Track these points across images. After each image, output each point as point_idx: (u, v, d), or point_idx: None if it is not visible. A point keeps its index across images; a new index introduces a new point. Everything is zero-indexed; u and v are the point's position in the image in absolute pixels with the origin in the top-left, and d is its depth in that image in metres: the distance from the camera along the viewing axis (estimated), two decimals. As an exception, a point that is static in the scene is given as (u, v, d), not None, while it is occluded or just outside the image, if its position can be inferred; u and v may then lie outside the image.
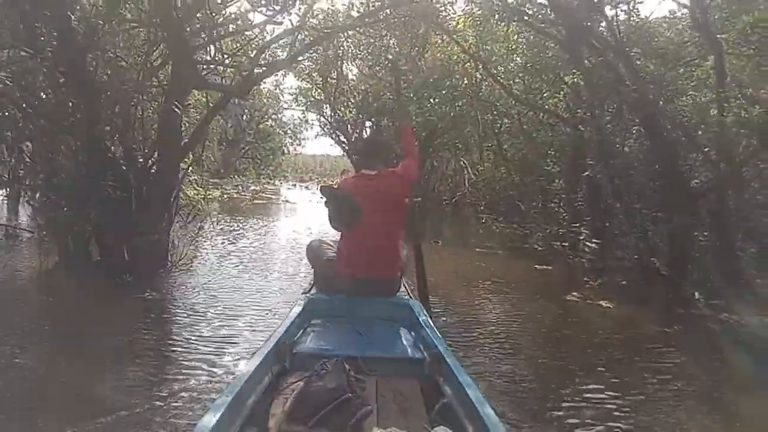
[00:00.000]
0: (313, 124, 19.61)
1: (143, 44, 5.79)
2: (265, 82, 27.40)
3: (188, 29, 5.84)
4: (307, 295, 3.37)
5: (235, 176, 25.57)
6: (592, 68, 7.53)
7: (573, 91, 8.04)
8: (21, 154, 5.98)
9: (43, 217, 5.52)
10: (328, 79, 16.62)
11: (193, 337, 4.30)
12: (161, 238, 5.74)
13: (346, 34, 16.03)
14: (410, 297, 3.47)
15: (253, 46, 7.98)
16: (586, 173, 7.84)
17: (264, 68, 7.10)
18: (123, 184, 5.63)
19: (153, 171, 5.93)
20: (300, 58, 16.22)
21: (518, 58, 10.62)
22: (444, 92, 13.17)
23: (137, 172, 5.86)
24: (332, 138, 18.63)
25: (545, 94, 9.42)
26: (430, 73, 13.25)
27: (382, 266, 3.25)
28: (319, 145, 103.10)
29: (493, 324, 5.14)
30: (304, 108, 18.97)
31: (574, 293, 6.35)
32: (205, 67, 6.59)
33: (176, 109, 5.71)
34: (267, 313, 4.99)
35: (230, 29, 6.76)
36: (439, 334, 2.69)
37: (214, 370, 3.70)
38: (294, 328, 2.73)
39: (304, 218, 13.29)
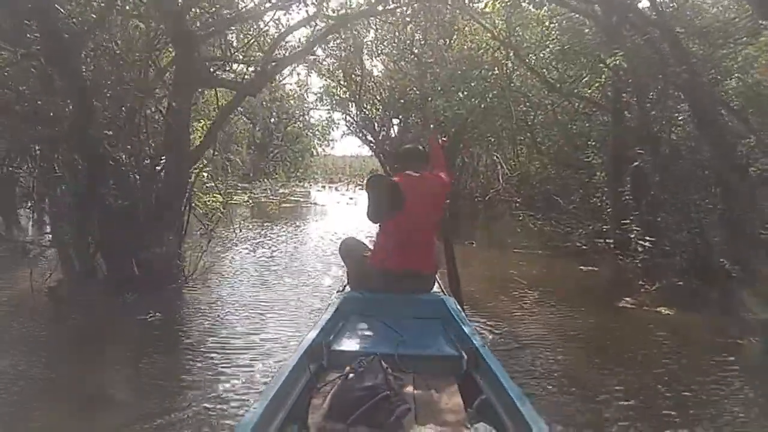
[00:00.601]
0: (338, 123, 19.13)
1: (145, 39, 5.32)
2: (290, 83, 27.23)
3: (194, 22, 5.39)
4: (342, 293, 3.38)
5: (264, 180, 25.26)
6: (636, 49, 6.83)
7: (615, 75, 7.31)
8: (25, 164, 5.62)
9: (41, 231, 5.09)
10: (352, 76, 16.10)
11: (183, 377, 3.58)
12: (170, 250, 5.27)
13: (367, 28, 15.55)
14: (444, 293, 3.47)
15: (267, 39, 7.48)
16: (636, 163, 7.11)
17: (277, 62, 6.56)
18: (127, 192, 5.18)
19: (160, 177, 5.48)
20: (317, 51, 15.93)
21: (552, 44, 9.91)
22: (473, 84, 12.54)
23: (143, 178, 5.43)
24: (359, 137, 18.14)
25: (584, 80, 8.70)
26: (458, 64, 12.64)
27: (419, 259, 3.34)
28: (347, 145, 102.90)
29: (536, 340, 4.50)
30: (329, 108, 18.47)
31: (627, 298, 5.68)
32: (213, 63, 6.14)
33: (183, 110, 5.25)
34: (282, 345, 4.09)
35: (239, 20, 6.27)
36: (475, 331, 2.70)
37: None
38: (330, 327, 2.76)
39: (332, 221, 12.78)
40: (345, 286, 3.64)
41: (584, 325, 4.97)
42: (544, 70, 10.36)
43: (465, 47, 13.49)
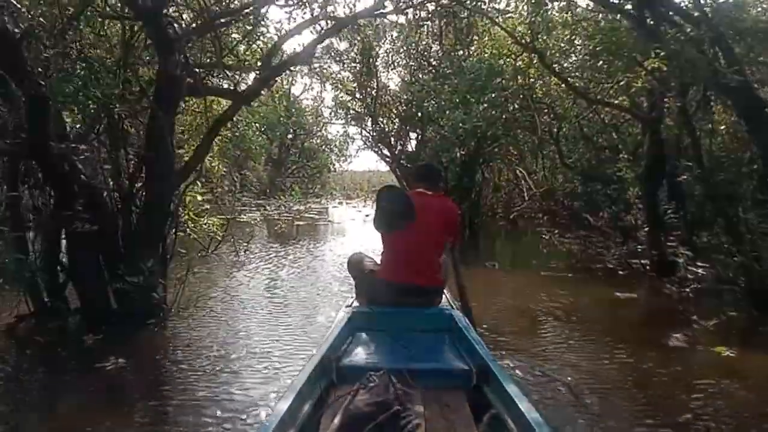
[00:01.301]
0: (354, 138, 18.50)
1: (121, 40, 4.71)
2: (306, 98, 26.80)
3: (177, 20, 4.79)
4: (350, 308, 3.33)
5: (280, 196, 24.76)
6: (679, 49, 6.07)
7: (653, 79, 6.55)
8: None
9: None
10: (367, 89, 15.49)
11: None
12: (151, 280, 4.60)
13: (382, 38, 14.99)
14: (453, 308, 3.43)
15: (266, 43, 6.83)
16: (682, 177, 6.32)
17: (275, 66, 5.90)
18: (100, 214, 4.53)
19: (140, 196, 4.85)
20: (331, 64, 15.43)
21: (580, 47, 9.18)
22: (493, 95, 11.84)
23: (120, 199, 4.80)
24: (374, 152, 17.43)
25: (619, 85, 7.94)
26: (478, 74, 11.95)
27: (426, 274, 3.32)
28: (365, 160, 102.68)
29: (573, 387, 3.73)
30: (344, 121, 17.86)
31: (676, 334, 4.87)
32: (204, 69, 5.53)
33: (165, 121, 4.62)
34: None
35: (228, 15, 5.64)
36: (484, 345, 2.67)
37: None
38: (338, 342, 2.74)
39: (345, 241, 12.07)
40: (353, 301, 3.62)
41: (628, 368, 4.16)
42: (571, 77, 9.57)
43: (485, 54, 12.85)
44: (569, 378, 3.80)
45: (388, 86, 16.34)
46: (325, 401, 2.23)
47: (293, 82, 27.07)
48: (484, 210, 16.52)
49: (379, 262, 3.59)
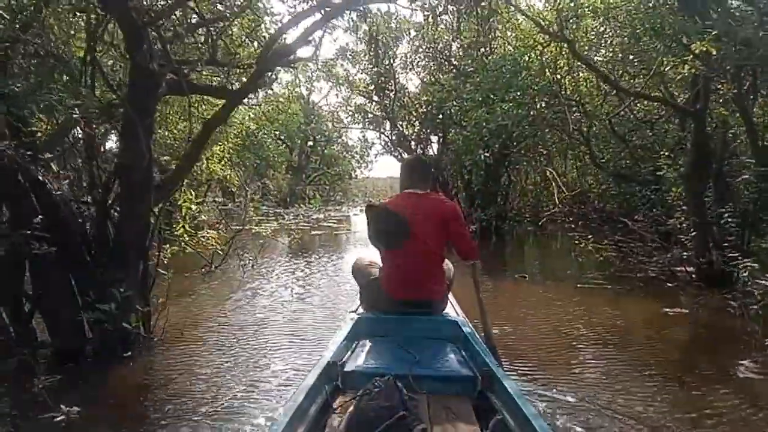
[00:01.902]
0: (373, 142, 17.85)
1: (87, 30, 4.10)
2: (326, 104, 26.29)
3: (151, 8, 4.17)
4: (355, 313, 3.33)
5: (300, 205, 24.24)
6: (732, 30, 5.29)
7: (702, 64, 5.76)
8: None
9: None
10: (386, 91, 14.87)
11: None
12: (127, 307, 3.98)
13: (400, 39, 14.36)
14: (457, 314, 3.42)
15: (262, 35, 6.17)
16: (746, 176, 5.52)
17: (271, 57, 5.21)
18: (65, 233, 3.93)
19: (115, 213, 4.23)
20: (333, 55, 14.85)
21: (610, 37, 8.42)
22: (519, 93, 11.10)
23: (90, 215, 4.19)
24: (394, 157, 16.80)
25: (660, 73, 7.15)
26: (501, 70, 11.23)
27: (427, 286, 3.22)
28: (385, 166, 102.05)
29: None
30: (362, 126, 17.24)
31: (746, 362, 4.09)
32: (188, 65, 4.90)
33: (142, 123, 4.00)
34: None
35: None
36: (489, 351, 2.69)
37: None
38: (343, 347, 2.76)
39: (361, 254, 11.40)
40: (358, 306, 3.55)
41: (689, 407, 3.39)
42: (606, 67, 8.79)
43: (509, 48, 12.13)
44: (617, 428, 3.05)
45: (407, 88, 15.72)
46: (330, 406, 2.24)
47: (312, 88, 26.73)
48: (511, 215, 15.76)
49: (380, 269, 3.42)
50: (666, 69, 6.42)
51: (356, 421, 1.99)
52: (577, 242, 11.45)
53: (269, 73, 5.12)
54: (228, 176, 12.58)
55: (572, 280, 7.46)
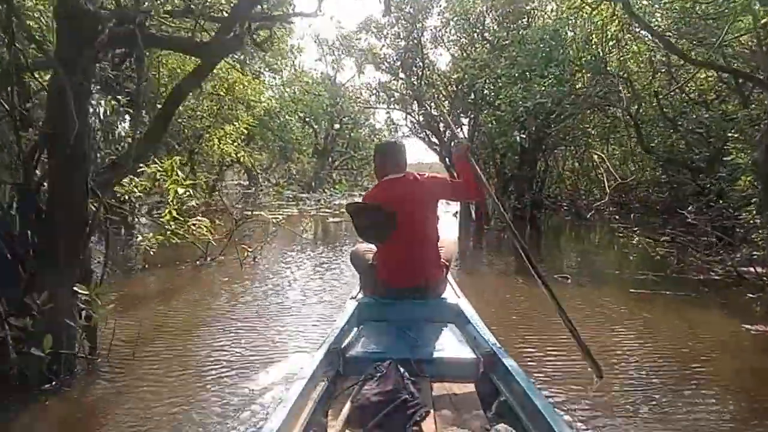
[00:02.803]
0: (398, 124, 16.74)
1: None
2: (352, 85, 25.18)
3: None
4: (355, 299, 3.28)
5: (325, 190, 23.34)
6: None
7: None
8: None
9: None
10: (413, 68, 13.76)
11: None
12: (54, 319, 3.05)
13: (430, 9, 13.21)
14: (458, 296, 3.33)
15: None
16: None
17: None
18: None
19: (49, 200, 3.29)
20: (356, 28, 13.74)
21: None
22: (559, 68, 9.92)
23: (15, 198, 3.27)
24: (421, 139, 15.67)
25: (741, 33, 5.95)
26: (540, 43, 10.06)
27: (424, 271, 3.20)
28: (412, 150, 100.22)
29: None
30: (386, 106, 16.11)
31: None
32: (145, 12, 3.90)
33: (78, 86, 3.05)
34: None
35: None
36: (490, 333, 2.65)
37: None
38: (344, 333, 2.73)
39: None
40: (359, 292, 3.49)
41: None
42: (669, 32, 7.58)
43: (549, 18, 10.94)
44: None
45: (436, 64, 14.56)
46: (333, 392, 2.22)
47: (339, 68, 25.71)
48: (548, 203, 14.60)
49: (376, 259, 3.38)
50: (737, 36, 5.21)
51: (359, 406, 1.97)
52: (621, 235, 10.33)
53: (251, 27, 4.06)
54: (242, 157, 11.70)
55: (623, 282, 6.33)
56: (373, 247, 3.44)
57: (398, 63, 13.80)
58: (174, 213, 5.46)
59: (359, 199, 3.64)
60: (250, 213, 8.49)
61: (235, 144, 11.18)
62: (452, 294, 3.38)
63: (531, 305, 5.19)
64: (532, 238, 10.64)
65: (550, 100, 9.27)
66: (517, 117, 10.06)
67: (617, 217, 11.96)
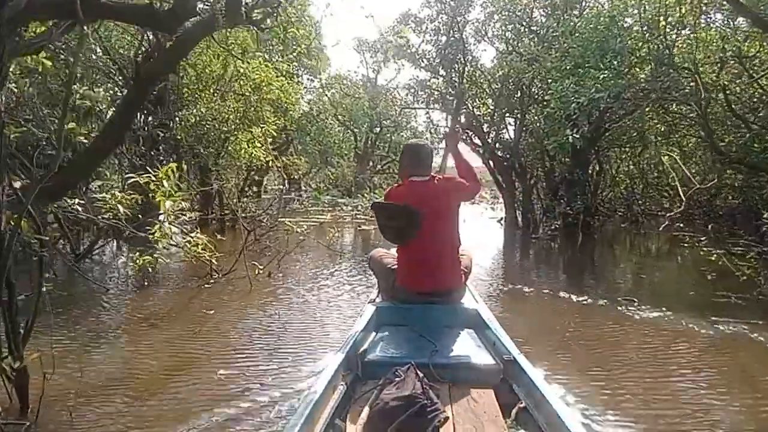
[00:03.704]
0: (438, 124, 15.80)
1: None
2: (394, 87, 24.37)
3: None
4: (373, 303, 3.26)
5: (364, 195, 22.60)
6: None
7: None
8: None
9: None
10: (455, 65, 12.84)
11: None
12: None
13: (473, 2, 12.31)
14: (477, 302, 3.34)
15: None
16: None
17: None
18: None
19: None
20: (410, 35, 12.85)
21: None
22: (616, 59, 8.89)
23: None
24: (462, 140, 14.72)
25: None
26: (593, 32, 9.05)
27: (445, 276, 3.17)
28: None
29: None
30: (425, 105, 15.17)
31: None
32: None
33: None
34: None
35: None
36: (509, 339, 2.63)
37: None
38: (363, 337, 2.74)
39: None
40: (377, 296, 3.48)
41: None
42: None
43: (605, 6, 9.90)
44: None
45: (479, 60, 13.61)
46: (352, 396, 2.20)
47: (380, 69, 24.96)
48: (603, 209, 13.49)
49: (396, 262, 3.32)
50: None
51: (377, 411, 1.94)
52: (686, 245, 9.19)
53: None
54: (272, 162, 11.01)
55: (701, 308, 5.24)
56: (392, 251, 3.44)
57: (438, 59, 12.88)
58: (166, 230, 4.72)
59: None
60: (270, 223, 7.77)
61: (264, 147, 10.50)
62: (471, 300, 3.36)
63: (586, 337, 4.25)
64: (584, 248, 9.61)
65: (607, 94, 8.21)
66: (568, 114, 9.04)
67: (681, 225, 10.75)
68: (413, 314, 3.04)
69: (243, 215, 7.75)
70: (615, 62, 9.00)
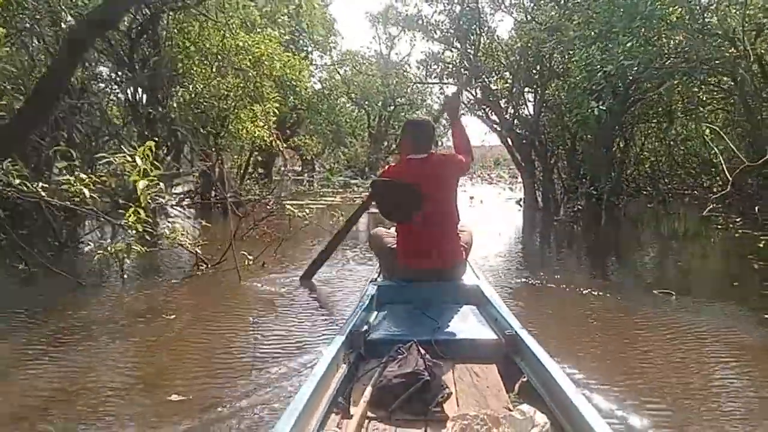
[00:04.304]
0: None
1: None
2: (407, 63, 23.53)
3: None
4: (375, 282, 3.27)
5: (374, 175, 22.04)
6: None
7: None
8: None
9: None
10: (470, 36, 12.08)
11: None
12: None
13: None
14: (478, 278, 3.34)
15: None
16: None
17: None
18: None
19: None
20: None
21: None
22: (645, 24, 8.11)
23: None
24: (478, 117, 13.99)
25: None
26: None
27: (445, 253, 3.17)
28: (473, 132, 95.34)
29: None
30: (438, 80, 14.41)
31: None
32: None
33: None
34: None
35: None
36: (511, 314, 2.63)
37: None
38: (365, 315, 2.74)
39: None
40: (378, 274, 3.54)
41: None
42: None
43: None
44: None
45: (496, 31, 12.83)
46: (354, 375, 2.18)
47: (392, 44, 24.20)
48: (630, 191, 12.77)
49: (396, 240, 3.35)
50: None
51: (381, 388, 1.93)
52: (720, 227, 8.47)
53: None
54: (275, 142, 10.41)
55: (746, 301, 4.56)
56: (392, 230, 3.45)
57: (452, 30, 12.14)
58: (143, 215, 4.16)
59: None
60: (271, 207, 7.21)
61: (266, 126, 9.90)
62: (472, 276, 3.36)
63: (621, 341, 3.61)
64: (610, 232, 8.92)
65: (637, 61, 7.47)
66: (593, 85, 8.31)
67: (715, 205, 9.98)
68: (415, 292, 3.06)
69: (233, 199, 7.11)
70: (643, 29, 8.24)
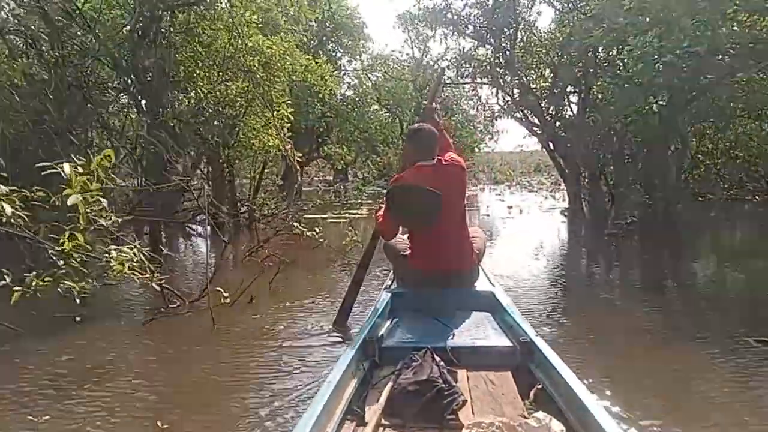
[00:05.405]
0: (488, 102, 13.89)
1: None
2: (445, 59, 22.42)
3: None
4: (389, 289, 3.28)
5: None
6: None
7: None
8: None
9: None
10: (505, 31, 10.98)
11: None
12: None
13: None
14: (492, 284, 3.33)
15: None
16: None
17: None
18: None
19: None
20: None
21: None
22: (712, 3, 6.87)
23: None
24: (516, 119, 12.82)
25: None
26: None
27: (457, 257, 3.21)
28: (511, 136, 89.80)
29: None
30: (470, 80, 13.29)
31: None
32: None
33: None
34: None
35: None
36: (526, 321, 2.61)
37: None
38: (379, 323, 2.74)
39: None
40: (392, 282, 3.54)
41: None
42: None
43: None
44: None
45: (535, 24, 11.69)
46: (369, 382, 2.19)
47: (425, 47, 23.14)
48: (684, 194, 11.39)
49: (409, 246, 3.37)
50: None
51: (395, 396, 1.93)
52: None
53: None
54: (288, 151, 9.46)
55: None
56: (404, 237, 3.48)
57: (485, 24, 11.06)
58: (81, 239, 3.22)
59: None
60: (277, 226, 6.32)
61: (280, 135, 8.97)
62: (486, 282, 3.35)
63: (705, 410, 2.50)
64: (673, 249, 7.66)
65: (706, 46, 6.25)
66: (650, 78, 7.09)
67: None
68: (428, 299, 3.05)
69: (212, 212, 6.19)
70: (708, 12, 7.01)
